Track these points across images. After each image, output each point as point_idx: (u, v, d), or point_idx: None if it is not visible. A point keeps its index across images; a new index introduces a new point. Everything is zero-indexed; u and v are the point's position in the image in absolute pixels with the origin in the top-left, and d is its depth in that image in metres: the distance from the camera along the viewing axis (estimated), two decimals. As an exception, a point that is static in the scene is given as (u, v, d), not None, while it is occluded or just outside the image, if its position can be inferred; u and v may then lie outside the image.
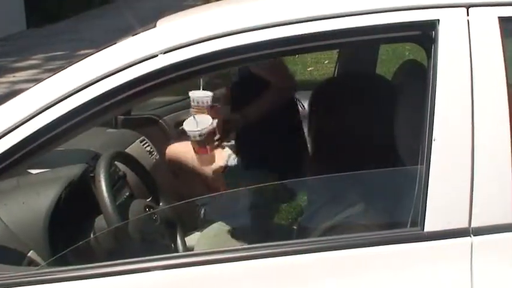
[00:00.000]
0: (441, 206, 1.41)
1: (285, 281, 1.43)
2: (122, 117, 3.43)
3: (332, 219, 1.67)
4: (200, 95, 2.89)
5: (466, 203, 1.40)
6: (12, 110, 1.52)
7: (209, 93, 2.91)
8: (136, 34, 1.62)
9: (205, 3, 2.48)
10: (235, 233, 2.33)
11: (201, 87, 2.88)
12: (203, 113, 2.84)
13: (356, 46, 2.37)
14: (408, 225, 1.46)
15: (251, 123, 2.76)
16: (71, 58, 8.28)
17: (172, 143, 3.17)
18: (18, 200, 2.06)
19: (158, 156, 3.14)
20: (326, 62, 6.99)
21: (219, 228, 2.41)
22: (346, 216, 1.65)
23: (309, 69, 7.40)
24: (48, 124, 1.48)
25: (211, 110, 2.87)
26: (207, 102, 2.88)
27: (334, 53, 3.49)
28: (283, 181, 1.74)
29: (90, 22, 13.75)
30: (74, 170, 2.25)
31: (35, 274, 1.51)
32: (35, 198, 2.05)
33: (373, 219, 1.64)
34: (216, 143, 2.81)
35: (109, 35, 3.50)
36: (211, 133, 2.77)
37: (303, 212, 1.83)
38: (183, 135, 2.90)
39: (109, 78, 1.48)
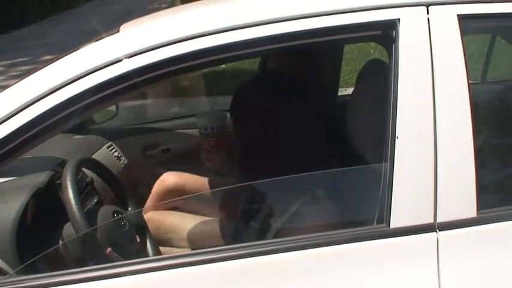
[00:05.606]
0: (406, 203, 1.43)
1: (255, 281, 1.43)
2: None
3: (299, 219, 1.67)
4: (210, 118, 2.24)
5: (430, 198, 1.42)
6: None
7: (222, 114, 2.29)
8: (99, 39, 1.61)
9: (169, 7, 2.44)
10: None
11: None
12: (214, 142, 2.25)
13: (318, 47, 2.38)
14: (374, 222, 1.47)
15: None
16: (37, 64, 8.20)
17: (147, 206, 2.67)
18: (-14, 209, 2.03)
19: (126, 161, 3.11)
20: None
21: None
22: (314, 215, 1.66)
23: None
24: (12, 132, 1.47)
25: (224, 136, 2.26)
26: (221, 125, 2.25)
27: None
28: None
29: (56, 27, 13.65)
30: (40, 178, 2.22)
31: (3, 283, 1.50)
32: (2, 207, 2.02)
33: (340, 217, 1.66)
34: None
35: (75, 40, 3.48)
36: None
37: (271, 214, 1.83)
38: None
39: (74, 83, 1.47)
